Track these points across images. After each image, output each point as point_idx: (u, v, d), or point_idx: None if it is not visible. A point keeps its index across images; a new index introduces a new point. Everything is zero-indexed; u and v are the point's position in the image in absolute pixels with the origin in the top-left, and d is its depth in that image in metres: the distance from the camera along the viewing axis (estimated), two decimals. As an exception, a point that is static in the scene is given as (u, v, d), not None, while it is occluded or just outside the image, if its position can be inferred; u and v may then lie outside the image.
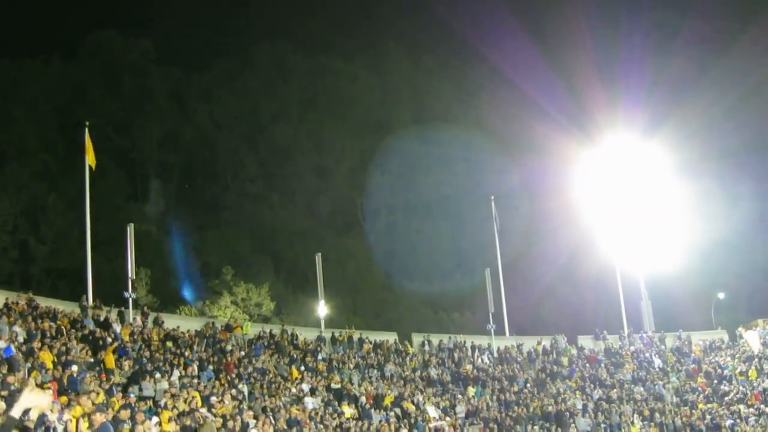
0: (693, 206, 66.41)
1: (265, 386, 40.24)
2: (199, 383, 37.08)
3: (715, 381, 55.19)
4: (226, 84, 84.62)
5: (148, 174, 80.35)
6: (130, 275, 45.03)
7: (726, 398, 52.81)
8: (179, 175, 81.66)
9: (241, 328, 47.60)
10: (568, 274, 71.96)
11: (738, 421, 49.55)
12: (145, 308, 46.82)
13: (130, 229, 45.63)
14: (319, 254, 55.54)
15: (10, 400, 23.24)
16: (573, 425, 45.12)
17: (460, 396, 46.40)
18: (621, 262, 63.80)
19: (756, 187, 76.28)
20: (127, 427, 27.68)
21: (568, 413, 46.34)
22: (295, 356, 45.68)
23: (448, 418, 42.92)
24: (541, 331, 59.63)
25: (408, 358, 50.59)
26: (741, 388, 54.37)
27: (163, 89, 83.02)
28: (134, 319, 42.89)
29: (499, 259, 60.76)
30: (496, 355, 54.24)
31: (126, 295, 44.14)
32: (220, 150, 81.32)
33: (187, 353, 40.35)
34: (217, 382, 38.31)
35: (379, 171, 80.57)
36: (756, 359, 58.12)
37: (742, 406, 51.71)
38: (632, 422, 47.01)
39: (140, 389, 34.11)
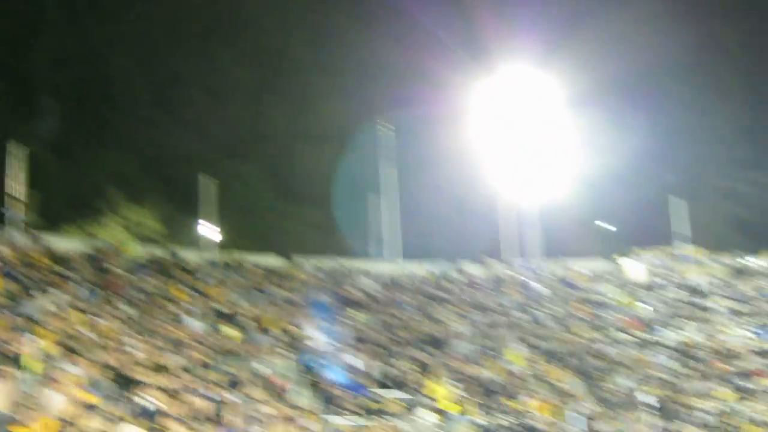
0: (584, 138, 67.15)
1: (150, 308, 40.33)
2: (83, 304, 37.08)
3: (598, 309, 56.45)
4: (122, 5, 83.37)
5: (39, 94, 78.97)
6: (12, 193, 44.70)
7: (608, 326, 54.09)
8: (71, 96, 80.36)
9: (128, 249, 47.58)
10: (458, 202, 72.64)
11: (620, 348, 50.75)
12: (30, 228, 46.44)
13: (12, 147, 45.21)
14: (202, 175, 55.53)
15: None
16: (455, 349, 45.86)
17: (344, 320, 46.91)
18: (510, 190, 64.66)
19: (646, 121, 77.41)
20: (9, 347, 27.74)
21: (450, 337, 47.16)
22: (181, 278, 45.77)
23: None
24: (427, 256, 60.23)
25: (294, 282, 51.02)
26: (622, 316, 55.78)
27: (56, 7, 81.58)
28: (18, 238, 42.56)
29: (390, 185, 61.37)
30: (381, 279, 54.87)
31: (7, 213, 43.81)
32: (114, 71, 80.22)
33: (71, 273, 40.24)
34: (101, 303, 38.33)
35: (274, 97, 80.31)
36: (635, 287, 59.78)
37: (623, 334, 53.01)
38: (513, 347, 47.81)
39: (23, 309, 33.95)
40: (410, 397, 38.87)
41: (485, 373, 43.14)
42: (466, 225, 71.48)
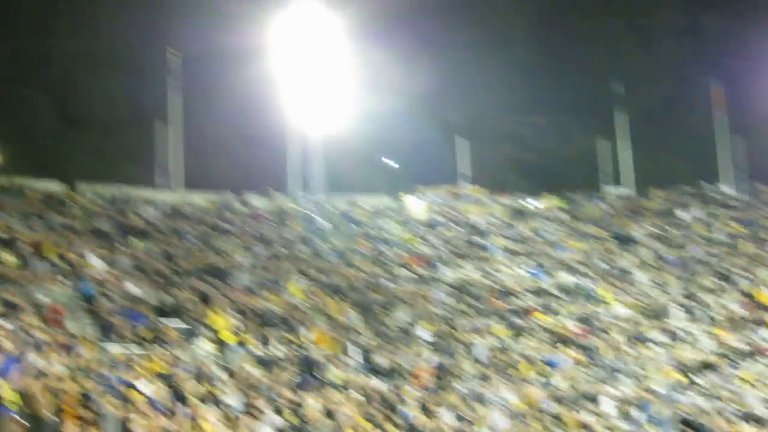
0: (373, 74, 67.65)
1: None
2: None
3: (380, 244, 57.28)
4: None
5: None
6: None
7: (389, 261, 54.94)
8: None
9: None
10: (243, 133, 72.38)
11: (400, 283, 51.55)
12: None
13: None
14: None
15: None
16: (236, 280, 45.89)
17: (125, 248, 46.42)
18: (294, 123, 64.81)
19: (433, 60, 78.25)
20: None
21: (231, 268, 47.19)
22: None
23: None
24: (211, 187, 60.03)
25: (74, 209, 50.25)
26: (403, 252, 56.76)
27: None
28: None
29: (176, 113, 60.81)
30: (164, 209, 54.49)
31: None
32: None
33: None
34: None
35: (60, 21, 78.24)
36: (417, 224, 60.91)
37: (404, 270, 53.91)
38: (294, 280, 48.08)
39: None
40: (189, 327, 38.78)
41: (265, 305, 43.31)
42: (254, 157, 71.24)
